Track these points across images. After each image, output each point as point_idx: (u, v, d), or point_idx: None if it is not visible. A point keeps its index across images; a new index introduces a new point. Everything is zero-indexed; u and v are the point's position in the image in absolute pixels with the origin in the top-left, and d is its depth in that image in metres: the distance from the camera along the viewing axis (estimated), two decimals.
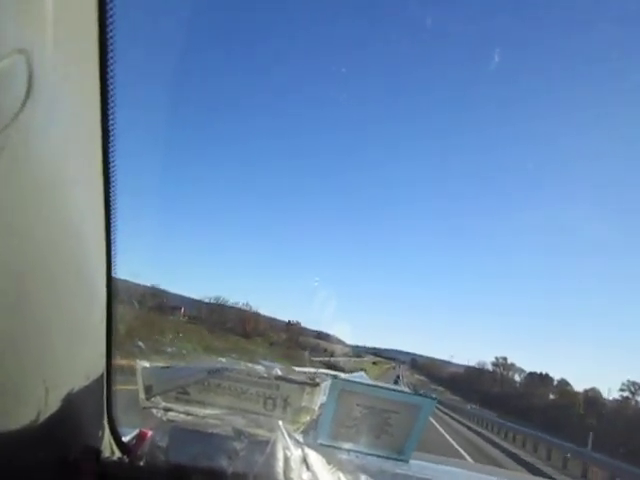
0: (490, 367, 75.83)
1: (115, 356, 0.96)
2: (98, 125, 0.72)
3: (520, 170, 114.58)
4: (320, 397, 1.03)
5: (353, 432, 1.04)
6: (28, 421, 0.74)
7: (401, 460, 1.07)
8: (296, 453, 0.93)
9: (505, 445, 19.13)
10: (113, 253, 0.86)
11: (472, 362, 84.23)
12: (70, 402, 0.81)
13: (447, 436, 18.04)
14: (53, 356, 0.76)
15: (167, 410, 1.02)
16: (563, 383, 62.95)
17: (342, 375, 1.07)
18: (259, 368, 1.03)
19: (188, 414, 1.02)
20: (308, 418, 1.03)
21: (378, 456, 1.06)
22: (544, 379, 66.17)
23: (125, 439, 1.03)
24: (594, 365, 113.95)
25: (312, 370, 1.12)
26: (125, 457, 0.99)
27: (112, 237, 0.84)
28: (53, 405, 0.78)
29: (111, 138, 0.74)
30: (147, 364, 1.00)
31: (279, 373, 1.02)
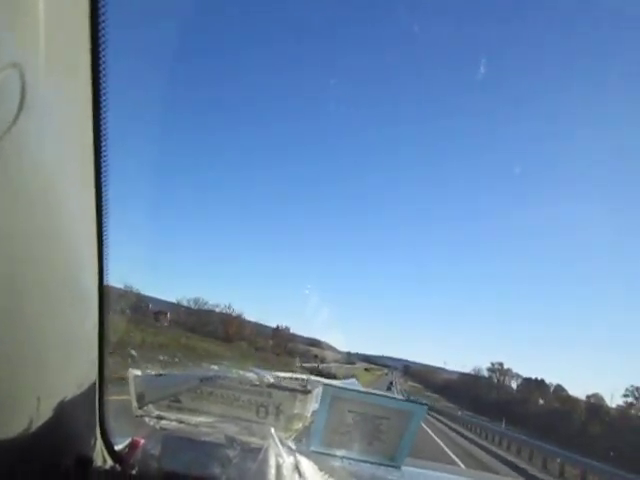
0: (486, 373, 75.89)
1: (107, 364, 0.96)
2: (90, 136, 0.73)
3: (517, 176, 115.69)
4: (312, 404, 1.04)
5: (345, 439, 1.04)
6: (20, 430, 0.74)
7: (393, 466, 1.07)
8: (288, 460, 0.94)
9: (500, 452, 19.05)
10: (105, 262, 0.86)
11: (467, 368, 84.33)
12: (62, 410, 0.81)
13: (439, 441, 17.98)
14: (45, 364, 0.76)
15: (159, 418, 1.02)
16: (559, 389, 62.97)
17: (334, 382, 1.07)
18: (251, 375, 1.03)
19: (180, 422, 1.02)
20: (300, 425, 1.04)
21: (370, 462, 1.06)
22: (540, 385, 66.12)
23: (117, 447, 1.03)
24: (591, 371, 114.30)
25: (304, 377, 1.12)
26: (117, 466, 0.99)
27: (104, 246, 0.84)
28: (45, 414, 0.78)
29: (103, 149, 0.76)
30: (139, 372, 1.01)
31: (271, 381, 1.03)
